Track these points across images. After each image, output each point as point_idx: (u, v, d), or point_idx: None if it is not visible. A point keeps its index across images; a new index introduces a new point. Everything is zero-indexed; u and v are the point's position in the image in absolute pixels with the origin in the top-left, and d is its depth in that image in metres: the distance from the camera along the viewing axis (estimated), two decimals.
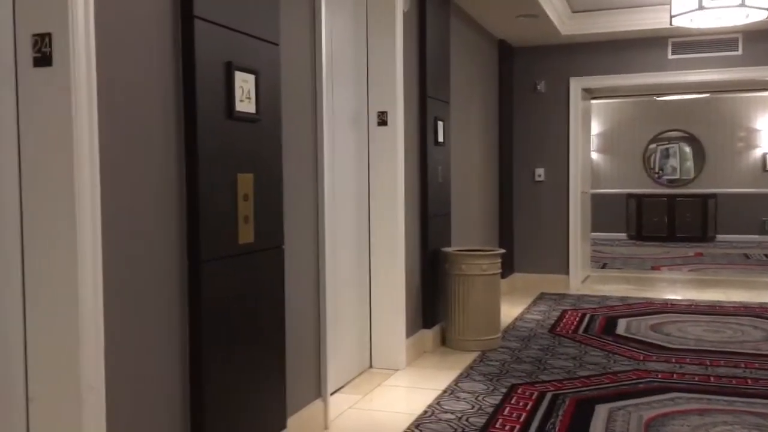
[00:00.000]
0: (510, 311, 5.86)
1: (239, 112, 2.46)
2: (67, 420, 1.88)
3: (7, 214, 1.88)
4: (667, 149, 12.35)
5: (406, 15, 4.27)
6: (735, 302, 6.24)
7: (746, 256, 9.88)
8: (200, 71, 2.27)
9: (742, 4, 4.71)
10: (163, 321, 2.18)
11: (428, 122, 4.61)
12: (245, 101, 2.50)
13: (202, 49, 2.28)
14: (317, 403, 3.18)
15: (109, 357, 1.95)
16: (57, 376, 1.89)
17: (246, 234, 2.51)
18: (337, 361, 3.68)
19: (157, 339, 2.16)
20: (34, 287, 1.89)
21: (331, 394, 3.46)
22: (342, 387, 3.80)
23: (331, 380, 3.36)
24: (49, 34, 1.85)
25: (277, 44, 2.71)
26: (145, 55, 2.11)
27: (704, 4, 4.75)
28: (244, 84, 2.49)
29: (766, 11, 4.82)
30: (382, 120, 4.15)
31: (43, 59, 1.86)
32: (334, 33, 3.68)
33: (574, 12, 6.48)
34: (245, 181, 2.51)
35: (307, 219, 3.15)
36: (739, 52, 6.52)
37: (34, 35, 1.86)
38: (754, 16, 4.94)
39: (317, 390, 3.21)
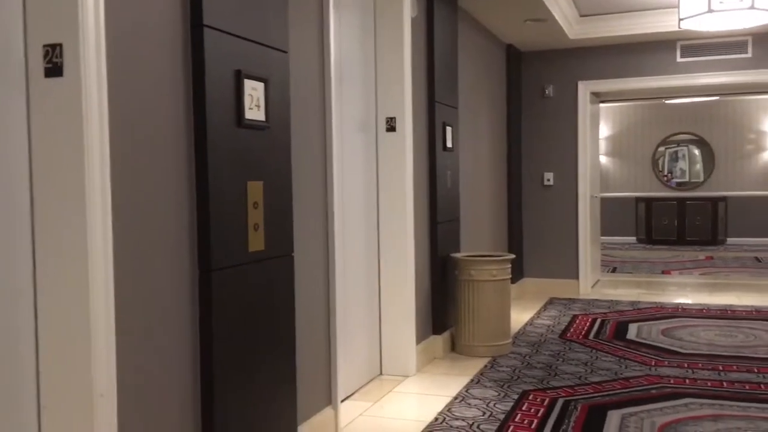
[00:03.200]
0: (520, 316, 5.84)
1: (249, 119, 2.46)
2: (79, 427, 1.88)
3: (18, 224, 1.89)
4: (676, 152, 12.30)
5: (413, 21, 4.27)
6: (747, 306, 6.19)
7: (757, 259, 9.81)
8: (210, 79, 2.27)
9: (752, 7, 4.69)
10: (174, 329, 2.18)
11: (436, 128, 4.60)
12: (254, 109, 2.50)
13: (212, 57, 2.28)
14: (328, 411, 3.18)
15: (120, 365, 1.96)
16: (68, 383, 1.89)
17: (256, 242, 2.51)
18: (348, 368, 3.67)
19: (168, 347, 2.16)
20: (45, 296, 1.89)
21: (342, 401, 3.46)
22: (352, 394, 3.80)
23: (342, 387, 3.36)
24: (59, 45, 1.86)
25: (286, 52, 2.71)
26: (155, 64, 2.12)
27: (713, 7, 4.73)
28: (254, 92, 2.49)
29: None
30: (391, 126, 4.15)
31: (54, 69, 1.86)
32: (342, 40, 3.69)
33: (582, 16, 6.47)
34: (255, 189, 2.51)
35: (317, 226, 3.15)
36: (749, 54, 6.49)
37: (45, 46, 1.87)
38: (763, 19, 4.92)
39: (328, 397, 3.20)
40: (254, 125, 2.50)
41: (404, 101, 4.13)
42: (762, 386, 3.83)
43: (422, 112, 4.48)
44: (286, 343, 2.71)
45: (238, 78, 2.41)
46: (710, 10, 4.75)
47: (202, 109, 2.25)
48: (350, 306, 3.80)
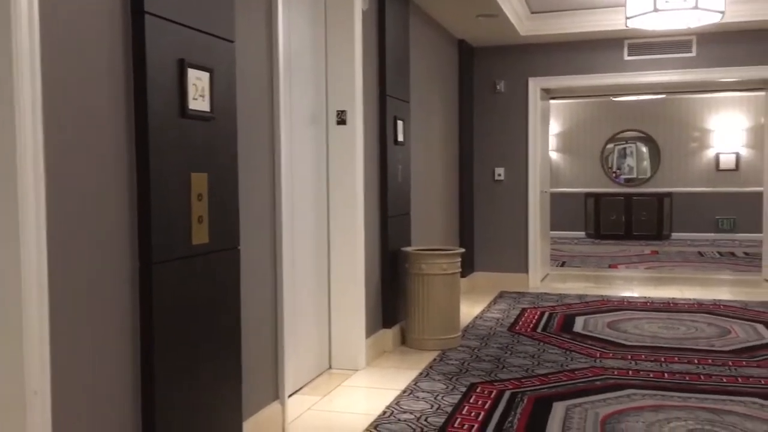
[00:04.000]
0: (470, 310, 5.89)
1: (193, 110, 2.41)
2: (11, 425, 1.82)
3: None
4: (624, 149, 12.56)
5: (365, 14, 4.25)
6: (689, 299, 6.36)
7: (700, 254, 10.10)
8: (151, 68, 2.22)
9: (696, 7, 4.81)
10: (113, 324, 2.13)
11: (388, 121, 4.60)
12: (199, 99, 2.45)
13: (154, 46, 2.23)
14: (275, 406, 3.14)
15: (55, 361, 1.90)
16: (0, 380, 1.82)
17: (200, 235, 2.47)
18: (296, 363, 3.65)
19: (106, 343, 2.10)
20: None
21: (290, 396, 3.43)
22: (301, 388, 3.77)
23: (289, 382, 3.33)
24: None
25: (232, 41, 2.67)
26: (93, 52, 2.05)
27: (658, 6, 4.84)
28: (198, 82, 2.44)
29: (718, 14, 4.92)
30: (341, 119, 4.13)
31: None
32: (291, 31, 3.64)
33: (532, 13, 6.54)
34: (199, 181, 2.46)
35: (264, 219, 3.11)
36: (693, 54, 6.65)
37: None
38: (707, 19, 5.05)
39: (275, 392, 3.17)
40: (199, 116, 2.45)
41: (355, 94, 4.11)
42: (701, 377, 3.94)
43: (373, 106, 4.47)
44: (231, 338, 2.67)
45: (182, 67, 2.35)
46: (656, 10, 4.86)
47: (143, 98, 2.20)
48: (299, 300, 3.77)
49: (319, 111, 4.08)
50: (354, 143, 4.13)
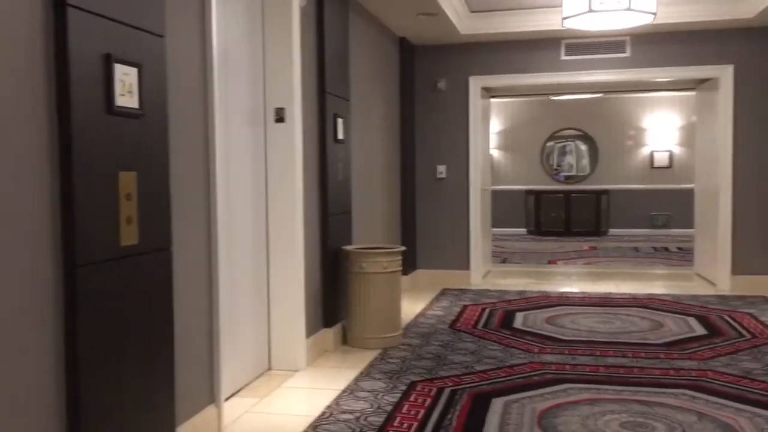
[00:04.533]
0: (412, 308, 5.90)
1: (120, 107, 2.33)
2: None
3: None
4: (564, 147, 12.82)
5: (302, 10, 4.20)
6: (624, 294, 6.53)
7: (636, 249, 10.38)
8: (75, 64, 2.13)
9: (629, 8, 4.92)
10: (35, 330, 2.04)
11: (327, 119, 4.56)
12: (126, 96, 2.37)
13: (77, 40, 2.14)
14: (210, 409, 3.08)
15: None
16: None
17: (129, 236, 2.39)
18: (234, 365, 3.58)
19: (29, 349, 2.01)
20: None
21: (227, 398, 3.37)
22: (239, 390, 3.70)
23: (226, 384, 3.27)
24: None
25: (162, 36, 2.59)
26: (10, 47, 1.96)
27: (593, 7, 4.93)
28: (125, 77, 2.36)
29: (650, 15, 5.05)
30: (280, 116, 4.07)
31: None
32: (227, 26, 3.57)
33: (472, 12, 6.59)
34: (127, 180, 2.38)
35: (199, 218, 3.04)
36: (628, 54, 6.82)
37: None
38: (639, 20, 5.17)
39: (210, 395, 3.10)
40: (127, 112, 2.37)
41: (293, 92, 4.05)
42: (635, 370, 4.04)
43: (312, 103, 4.42)
44: (162, 342, 2.60)
45: (108, 62, 2.27)
46: (591, 10, 4.95)
47: (65, 95, 2.11)
48: (238, 300, 3.70)
49: (257, 108, 4.02)
50: (293, 141, 4.08)
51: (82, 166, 2.15)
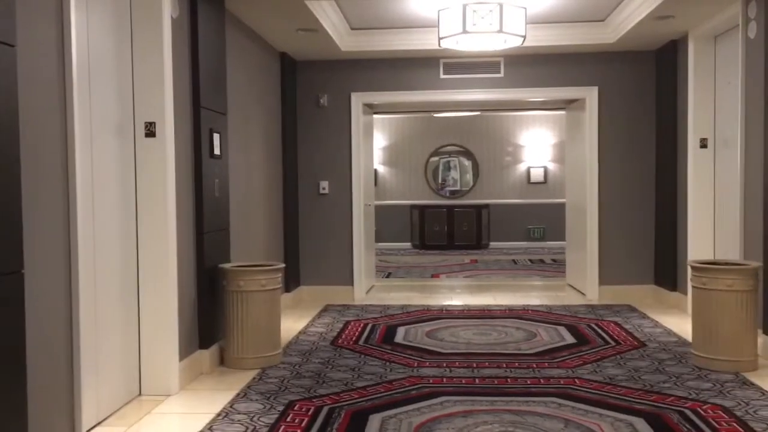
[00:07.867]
0: (294, 325, 5.83)
1: None
2: None
3: None
4: (448, 162, 13.15)
5: (175, 21, 4.08)
6: (502, 305, 6.74)
7: (514, 261, 10.77)
8: None
9: (500, 30, 5.12)
10: None
11: (203, 134, 4.44)
12: None
13: None
14: None
15: None
16: None
17: None
18: (100, 392, 3.39)
19: None
20: None
21: (91, 428, 3.19)
22: (106, 419, 3.50)
23: (89, 414, 3.09)
24: None
25: (13, 45, 2.43)
26: None
27: (467, 28, 5.09)
28: None
29: (520, 38, 5.28)
30: (150, 131, 3.92)
31: None
32: (91, 37, 3.40)
33: (353, 29, 6.64)
34: None
35: (57, 239, 2.86)
36: (501, 74, 7.09)
37: None
38: (511, 42, 5.40)
39: (71, 427, 2.92)
40: None
41: (165, 105, 3.91)
42: (508, 380, 4.16)
43: (186, 118, 4.29)
44: (11, 373, 2.41)
45: None
46: (465, 31, 5.12)
47: None
48: (103, 323, 3.51)
49: (126, 122, 3.85)
50: (164, 156, 3.93)
51: None
